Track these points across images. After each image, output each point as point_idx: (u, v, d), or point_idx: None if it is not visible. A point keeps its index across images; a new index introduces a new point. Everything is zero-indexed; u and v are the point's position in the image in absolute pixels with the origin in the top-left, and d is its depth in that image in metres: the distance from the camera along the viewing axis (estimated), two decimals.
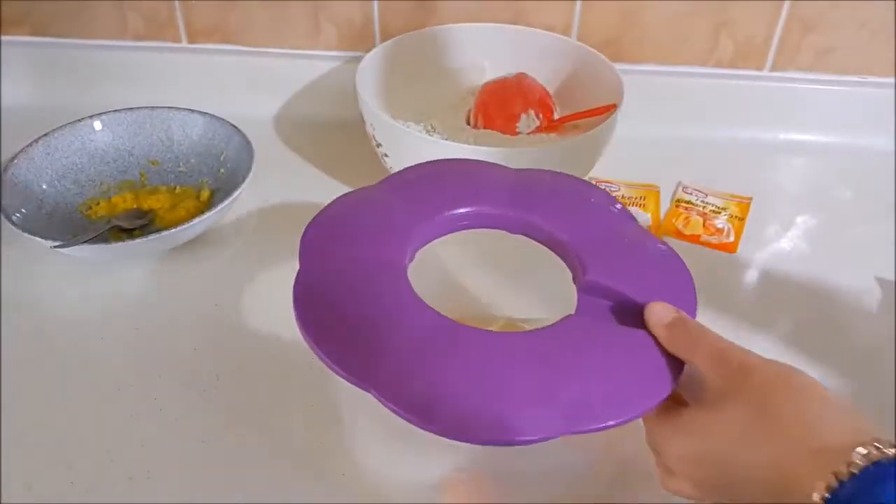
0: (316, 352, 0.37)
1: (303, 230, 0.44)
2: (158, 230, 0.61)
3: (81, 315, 0.60)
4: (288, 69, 0.82)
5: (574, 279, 0.43)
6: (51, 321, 0.60)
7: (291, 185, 0.74)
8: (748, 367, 0.34)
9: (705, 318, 0.40)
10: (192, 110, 0.72)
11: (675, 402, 0.38)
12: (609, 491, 0.48)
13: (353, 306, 0.38)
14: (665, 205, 0.74)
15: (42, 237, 0.59)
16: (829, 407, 0.33)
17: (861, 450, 0.29)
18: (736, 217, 0.72)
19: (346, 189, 0.73)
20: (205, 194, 0.70)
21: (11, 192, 0.64)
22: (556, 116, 0.74)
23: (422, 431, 0.34)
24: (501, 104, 0.73)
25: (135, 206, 0.69)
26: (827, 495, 0.29)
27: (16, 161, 0.66)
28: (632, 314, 0.40)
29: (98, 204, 0.69)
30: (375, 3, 0.78)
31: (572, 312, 0.41)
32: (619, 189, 0.74)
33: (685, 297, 0.42)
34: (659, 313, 0.39)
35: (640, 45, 0.80)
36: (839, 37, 0.78)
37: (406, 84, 0.76)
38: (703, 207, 0.73)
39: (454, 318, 0.38)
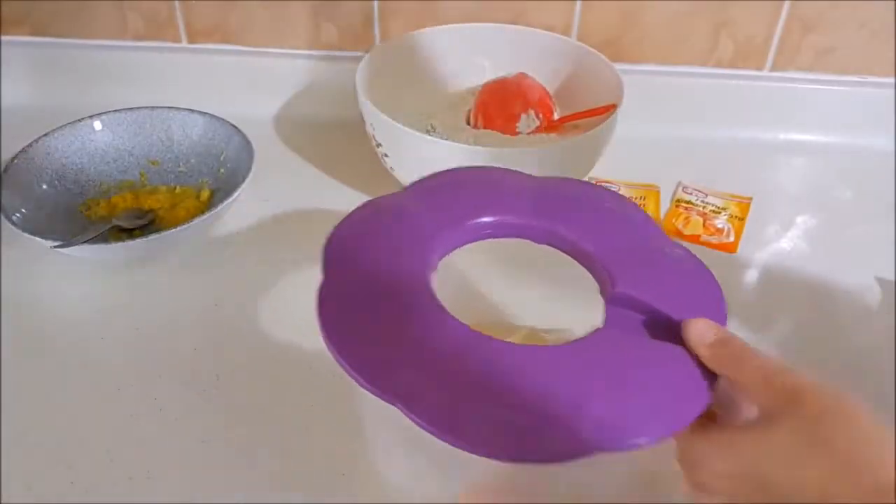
0: (341, 364, 0.36)
1: (325, 237, 0.42)
2: (158, 230, 0.61)
3: (81, 315, 0.60)
4: (288, 69, 0.82)
5: (601, 291, 0.42)
6: (51, 321, 0.60)
7: (291, 185, 0.74)
8: (799, 391, 0.34)
9: None
10: (192, 110, 0.72)
11: (707, 418, 0.37)
12: None
13: (378, 318, 0.38)
14: (665, 205, 0.74)
15: (42, 237, 0.59)
16: (880, 438, 0.32)
17: None
18: (736, 217, 0.72)
19: (345, 189, 0.74)
20: (205, 194, 0.70)
21: (11, 192, 0.64)
22: (556, 116, 0.74)
23: (444, 444, 0.33)
24: (501, 104, 0.73)
25: (135, 206, 0.69)
26: None
27: (16, 161, 0.66)
28: (662, 327, 0.39)
29: (98, 204, 0.69)
30: (375, 3, 0.78)
31: (595, 323, 0.40)
32: (619, 189, 0.74)
33: (714, 309, 0.41)
34: (700, 331, 0.38)
35: (640, 45, 0.80)
36: (839, 37, 0.78)
37: (406, 84, 0.76)
38: (703, 207, 0.73)
39: (474, 326, 0.38)
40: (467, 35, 0.78)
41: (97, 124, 0.71)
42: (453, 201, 0.46)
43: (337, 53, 0.81)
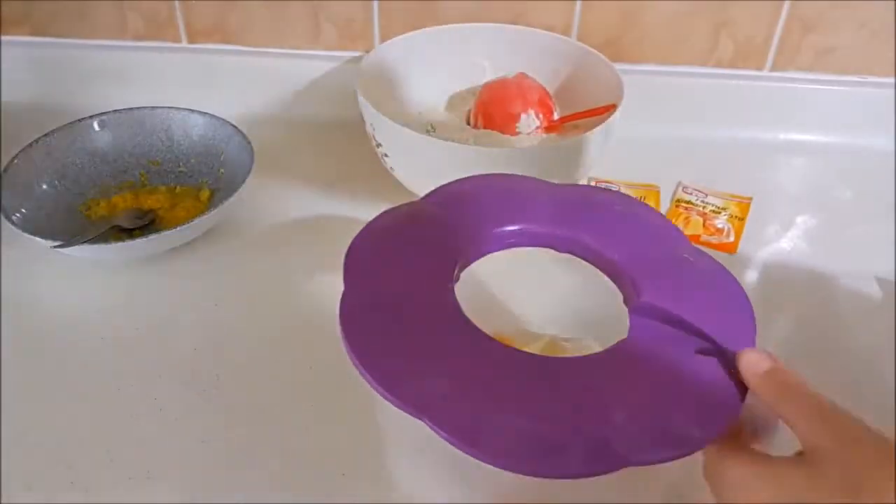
0: (364, 376, 0.35)
1: (347, 247, 0.42)
2: (158, 230, 0.61)
3: (81, 315, 0.60)
4: (288, 69, 0.82)
5: (625, 300, 0.42)
6: (51, 321, 0.60)
7: (291, 185, 0.74)
8: (852, 436, 0.34)
9: None
10: (192, 110, 0.72)
11: (738, 439, 0.37)
12: None
13: (401, 330, 0.37)
14: (665, 205, 0.74)
15: (42, 237, 0.59)
16: None
17: None
18: (736, 217, 0.72)
19: (345, 189, 0.74)
20: (205, 194, 0.70)
21: (11, 192, 0.64)
22: (556, 116, 0.74)
23: (466, 456, 0.33)
24: (501, 104, 0.73)
25: (135, 206, 0.69)
26: None
27: (16, 161, 0.66)
28: (688, 337, 0.39)
29: (98, 204, 0.69)
30: (375, 3, 0.78)
31: (616, 333, 0.39)
32: (619, 189, 0.74)
33: (741, 320, 0.40)
34: (753, 361, 0.37)
35: (640, 45, 0.80)
36: (839, 37, 0.78)
37: (406, 84, 0.76)
38: (703, 207, 0.73)
39: (495, 334, 0.37)
40: (467, 35, 0.78)
41: (97, 124, 0.71)
42: (474, 210, 0.46)
43: (337, 53, 0.81)
